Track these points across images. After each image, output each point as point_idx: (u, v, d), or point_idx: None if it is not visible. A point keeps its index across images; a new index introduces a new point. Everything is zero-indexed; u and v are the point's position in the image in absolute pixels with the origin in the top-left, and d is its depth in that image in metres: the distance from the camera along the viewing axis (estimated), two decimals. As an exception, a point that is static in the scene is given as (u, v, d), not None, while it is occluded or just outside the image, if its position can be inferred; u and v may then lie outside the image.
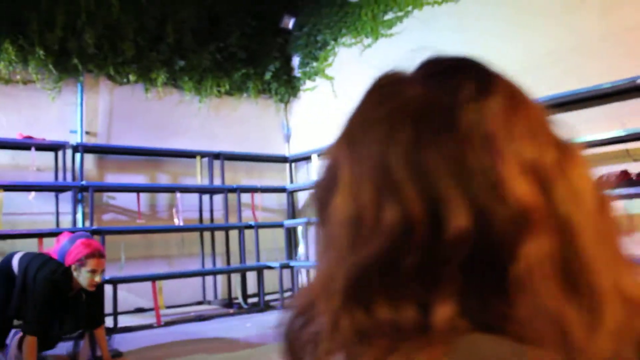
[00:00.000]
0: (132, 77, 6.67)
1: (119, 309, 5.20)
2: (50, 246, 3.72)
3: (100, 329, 3.72)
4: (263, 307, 6.01)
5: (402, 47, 6.74)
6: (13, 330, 3.53)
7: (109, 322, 5.05)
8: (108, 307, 5.10)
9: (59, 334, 3.63)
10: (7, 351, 3.42)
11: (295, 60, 8.26)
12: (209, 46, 7.28)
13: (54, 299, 3.42)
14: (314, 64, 7.96)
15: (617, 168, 4.80)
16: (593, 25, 5.15)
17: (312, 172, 7.70)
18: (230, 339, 4.37)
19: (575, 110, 5.16)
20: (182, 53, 7.07)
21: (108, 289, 5.15)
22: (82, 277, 3.40)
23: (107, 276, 5.21)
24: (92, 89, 6.49)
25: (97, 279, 3.45)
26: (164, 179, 6.95)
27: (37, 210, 5.85)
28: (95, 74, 6.45)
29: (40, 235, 5.31)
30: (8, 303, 3.55)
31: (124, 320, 5.36)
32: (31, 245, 5.25)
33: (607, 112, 5.03)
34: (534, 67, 5.47)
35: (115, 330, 4.96)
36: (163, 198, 6.85)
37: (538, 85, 4.73)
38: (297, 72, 8.22)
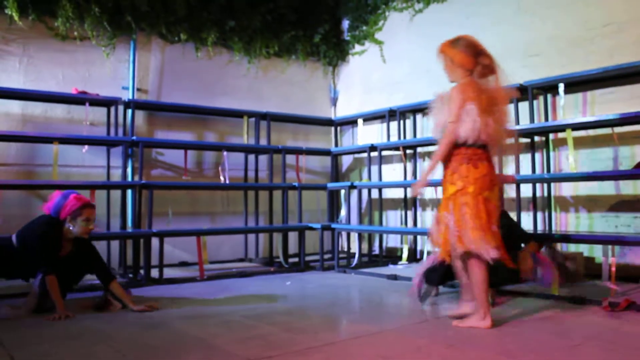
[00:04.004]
0: (183, 36, 6.76)
1: (164, 262, 5.41)
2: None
3: (113, 283, 3.99)
4: (303, 267, 6.13)
5: (455, 14, 6.64)
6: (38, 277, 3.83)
7: (154, 273, 5.27)
8: (154, 259, 5.32)
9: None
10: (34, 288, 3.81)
11: (345, 24, 8.20)
12: (259, 7, 7.30)
13: (53, 245, 3.82)
14: (364, 27, 7.90)
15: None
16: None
17: (358, 136, 7.72)
18: (270, 295, 4.50)
19: (633, 84, 5.02)
20: (233, 13, 7.11)
21: (155, 242, 5.35)
22: (78, 226, 3.87)
23: (154, 229, 5.41)
24: (144, 47, 6.61)
25: (91, 226, 3.94)
26: (211, 137, 7.09)
27: (89, 163, 6.07)
28: (147, 32, 6.57)
29: (92, 187, 5.52)
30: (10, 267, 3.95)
31: (168, 273, 5.57)
32: (84, 195, 5.46)
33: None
34: (590, 39, 5.33)
35: (160, 281, 5.16)
36: (210, 156, 6.99)
37: (594, 56, 4.61)
38: (347, 36, 8.18)
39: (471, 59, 3.35)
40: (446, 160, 3.36)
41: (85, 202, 3.90)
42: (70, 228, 3.87)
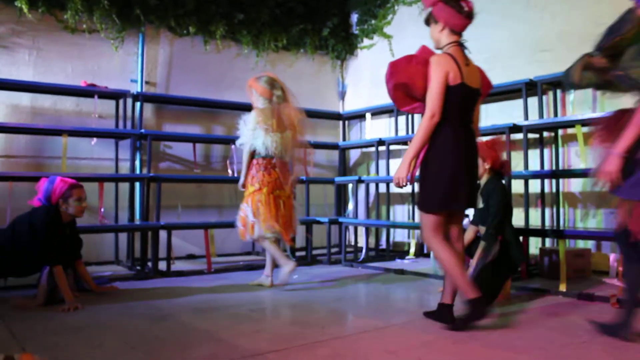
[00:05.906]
0: (191, 29, 6.76)
1: (172, 255, 5.43)
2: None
3: (80, 262, 4.21)
4: (310, 260, 6.14)
5: (463, 7, 6.57)
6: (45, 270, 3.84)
7: (162, 266, 5.30)
8: (162, 252, 5.35)
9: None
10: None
11: (354, 17, 8.18)
12: (267, 0, 7.29)
13: (56, 233, 3.85)
14: (373, 21, 7.87)
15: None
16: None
17: (366, 130, 7.71)
18: (277, 289, 4.52)
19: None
20: (241, 6, 7.10)
21: (163, 234, 5.37)
22: (71, 207, 3.95)
23: (162, 222, 5.43)
24: (152, 40, 6.62)
25: (84, 204, 4.03)
26: (219, 131, 7.09)
27: (97, 156, 6.09)
28: (156, 25, 6.57)
29: (100, 179, 5.55)
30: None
31: (176, 265, 5.60)
32: (92, 188, 5.50)
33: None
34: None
35: (168, 273, 5.19)
36: (218, 149, 7.00)
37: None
38: (355, 30, 8.16)
39: (269, 91, 4.61)
40: (248, 167, 4.58)
41: (72, 183, 3.97)
42: (65, 210, 3.94)
